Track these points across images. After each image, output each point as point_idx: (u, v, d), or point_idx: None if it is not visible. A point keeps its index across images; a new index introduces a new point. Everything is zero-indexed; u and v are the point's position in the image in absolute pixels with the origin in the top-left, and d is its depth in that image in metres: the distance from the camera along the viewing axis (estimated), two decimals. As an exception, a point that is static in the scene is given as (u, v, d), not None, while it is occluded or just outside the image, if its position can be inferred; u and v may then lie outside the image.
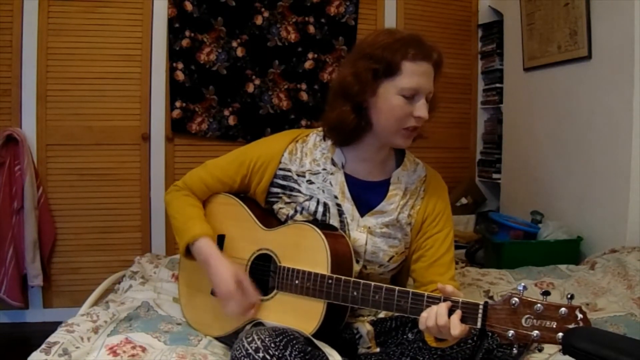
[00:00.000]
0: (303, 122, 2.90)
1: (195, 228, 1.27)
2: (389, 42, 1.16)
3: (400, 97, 1.16)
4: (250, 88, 2.84)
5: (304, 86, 2.90)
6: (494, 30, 3.16)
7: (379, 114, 1.19)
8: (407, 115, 1.17)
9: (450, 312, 0.99)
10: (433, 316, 0.99)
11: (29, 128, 2.58)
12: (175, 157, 2.78)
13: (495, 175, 3.17)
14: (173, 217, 1.34)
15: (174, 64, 2.72)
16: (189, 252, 1.29)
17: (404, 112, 1.17)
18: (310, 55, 2.89)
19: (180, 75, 2.73)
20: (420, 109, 1.16)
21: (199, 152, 2.76)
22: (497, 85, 3.15)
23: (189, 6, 2.71)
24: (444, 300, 1.00)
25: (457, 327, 0.97)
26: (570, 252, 2.30)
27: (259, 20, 2.82)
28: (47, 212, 2.60)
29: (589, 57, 2.33)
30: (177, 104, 2.75)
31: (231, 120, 2.83)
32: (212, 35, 2.76)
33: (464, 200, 3.17)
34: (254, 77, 2.84)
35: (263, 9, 2.82)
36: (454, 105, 3.22)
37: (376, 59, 1.16)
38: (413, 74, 1.15)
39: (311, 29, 2.89)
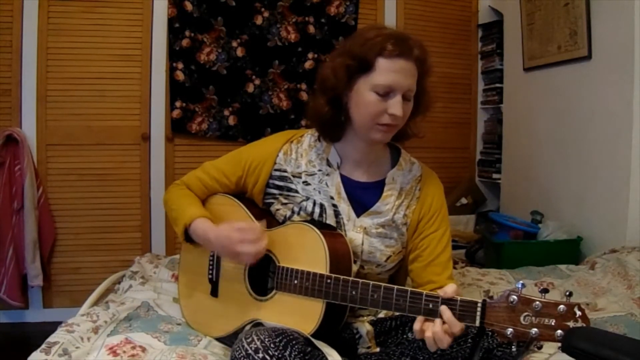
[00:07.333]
0: (303, 122, 2.90)
1: (191, 211, 1.27)
2: (370, 38, 1.16)
3: (373, 93, 1.16)
4: (250, 88, 2.84)
5: (304, 86, 2.90)
6: (494, 30, 3.16)
7: (355, 109, 1.20)
8: (381, 112, 1.17)
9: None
10: (432, 343, 1.00)
11: (29, 128, 2.59)
12: (175, 157, 2.78)
13: (495, 175, 3.17)
14: (170, 209, 1.34)
15: (174, 64, 2.73)
16: (189, 239, 1.29)
17: (377, 108, 1.16)
18: (310, 55, 2.89)
19: (180, 75, 2.73)
20: (394, 106, 1.15)
21: (199, 152, 2.77)
22: (497, 85, 3.15)
23: (189, 6, 2.71)
24: (443, 303, 1.00)
25: (456, 326, 0.98)
26: (570, 252, 2.30)
27: (259, 20, 2.82)
28: (47, 212, 2.60)
29: (589, 57, 2.33)
30: (177, 104, 2.75)
31: (231, 120, 2.83)
32: (212, 35, 2.76)
33: (464, 200, 3.17)
34: (254, 77, 2.84)
35: (263, 9, 2.82)
36: (454, 105, 3.22)
37: (352, 55, 1.17)
38: (388, 71, 1.15)
39: (311, 29, 2.89)
